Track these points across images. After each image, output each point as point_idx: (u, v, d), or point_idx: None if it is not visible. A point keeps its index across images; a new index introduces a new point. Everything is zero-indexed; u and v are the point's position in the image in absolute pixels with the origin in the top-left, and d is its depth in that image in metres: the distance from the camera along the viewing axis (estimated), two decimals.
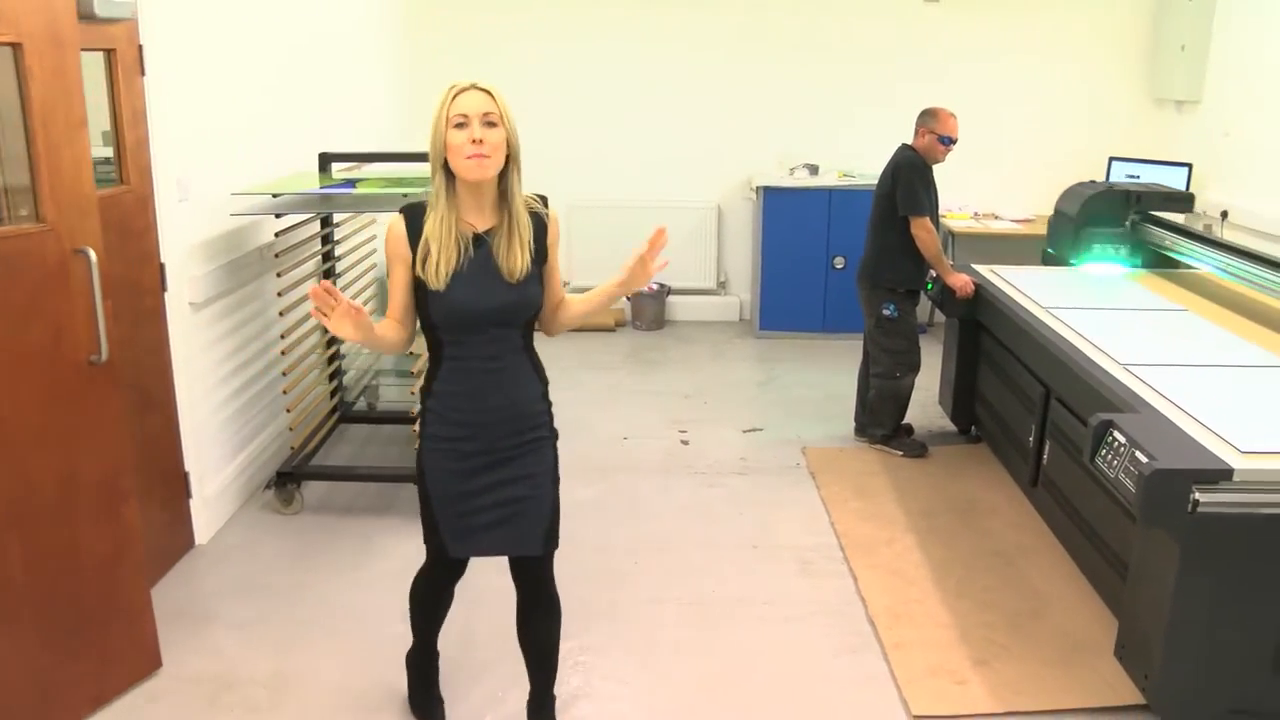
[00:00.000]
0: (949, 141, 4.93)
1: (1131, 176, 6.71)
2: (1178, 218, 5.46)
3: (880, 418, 5.19)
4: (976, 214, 7.26)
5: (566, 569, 3.99)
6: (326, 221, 4.83)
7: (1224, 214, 6.20)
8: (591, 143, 7.19)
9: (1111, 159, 6.90)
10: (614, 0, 7.09)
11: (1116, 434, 3.07)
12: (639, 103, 7.20)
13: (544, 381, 2.75)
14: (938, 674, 3.38)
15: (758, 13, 7.13)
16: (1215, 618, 2.97)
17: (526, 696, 3.03)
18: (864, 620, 3.72)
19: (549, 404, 2.77)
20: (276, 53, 4.81)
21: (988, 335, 4.98)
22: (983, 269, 5.18)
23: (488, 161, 2.46)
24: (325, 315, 2.40)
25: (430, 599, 3.03)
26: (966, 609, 3.78)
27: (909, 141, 5.04)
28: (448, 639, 3.57)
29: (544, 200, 2.68)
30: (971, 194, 7.32)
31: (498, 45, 7.09)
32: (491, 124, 2.46)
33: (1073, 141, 7.29)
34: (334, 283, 4.84)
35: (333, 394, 5.04)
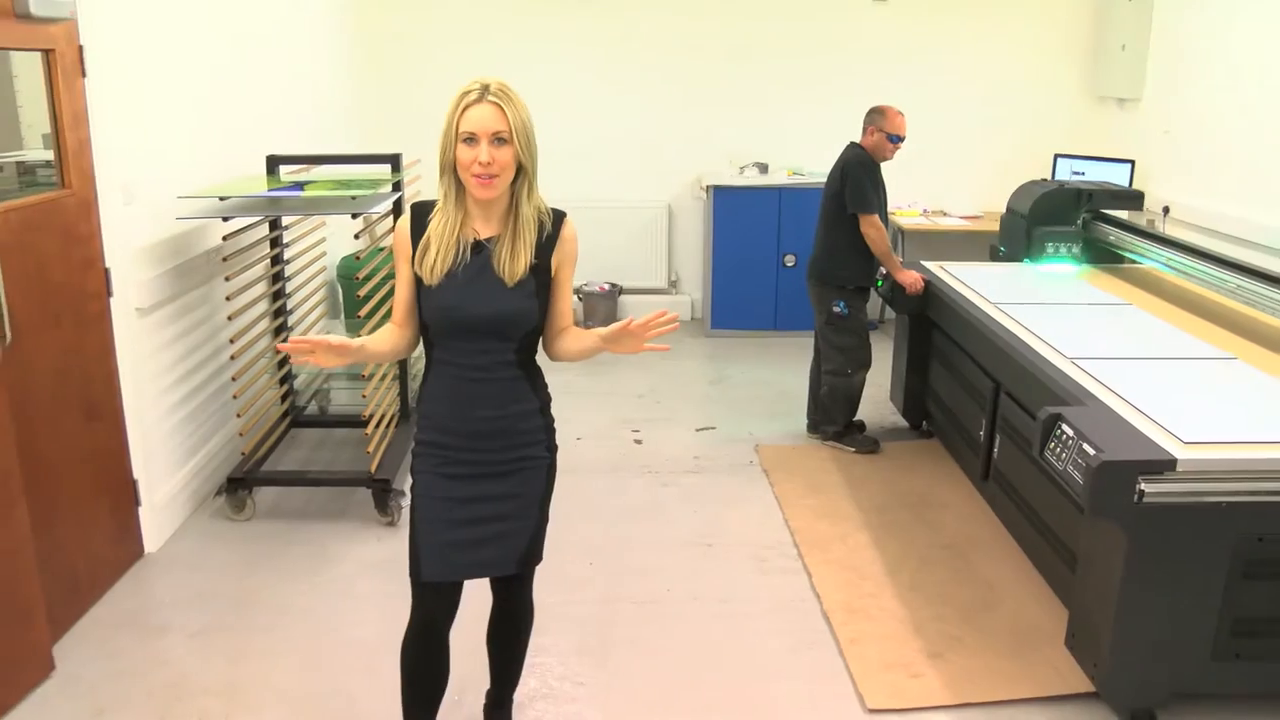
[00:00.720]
0: (897, 140, 4.97)
1: (1076, 173, 6.81)
2: (1122, 214, 5.53)
3: (832, 414, 5.22)
4: (925, 211, 7.34)
5: None
6: (275, 224, 4.78)
7: (1166, 209, 6.29)
8: (553, 142, 7.13)
9: (1057, 155, 6.99)
10: (560, 4, 7.08)
11: (1064, 427, 3.11)
12: (588, 103, 7.19)
13: (542, 399, 2.66)
14: (892, 668, 3.41)
15: (707, 13, 7.15)
16: (1160, 606, 3.04)
17: (484, 699, 3.02)
18: (819, 616, 3.74)
19: (547, 422, 2.68)
20: (223, 54, 4.76)
21: (938, 331, 5.03)
22: (932, 265, 5.23)
23: (495, 182, 2.39)
24: (308, 358, 2.38)
25: (418, 656, 2.74)
26: (920, 603, 3.82)
27: (857, 140, 5.08)
28: (388, 646, 3.56)
29: (561, 216, 2.59)
30: (920, 191, 7.40)
31: (445, 47, 7.06)
32: (502, 141, 2.37)
33: (1019, 139, 7.38)
34: (284, 286, 4.82)
35: (284, 398, 4.99)
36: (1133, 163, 6.60)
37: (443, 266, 2.44)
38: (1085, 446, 2.96)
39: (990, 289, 4.73)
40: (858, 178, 4.91)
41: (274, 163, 4.82)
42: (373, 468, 4.38)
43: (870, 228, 4.90)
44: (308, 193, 4.36)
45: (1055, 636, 3.52)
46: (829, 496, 4.67)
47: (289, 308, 4.92)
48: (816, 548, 4.21)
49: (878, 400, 5.83)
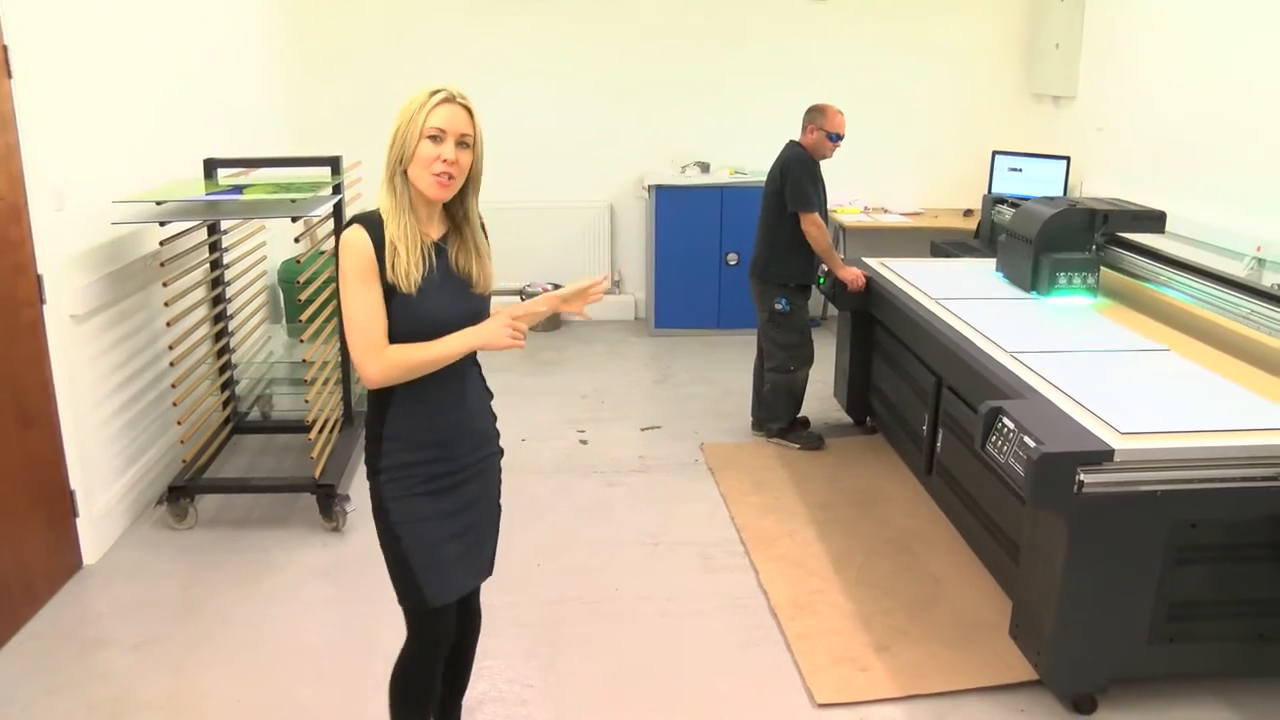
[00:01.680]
0: (837, 138, 5.00)
1: (1014, 170, 6.91)
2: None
3: (776, 411, 5.25)
4: (866, 208, 7.40)
5: None
6: (214, 229, 4.71)
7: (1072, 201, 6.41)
8: (487, 145, 7.12)
9: (995, 153, 7.08)
10: (499, 4, 7.05)
11: (1005, 420, 3.16)
12: (529, 104, 7.17)
13: (491, 394, 2.67)
14: (841, 662, 3.44)
15: (647, 12, 7.16)
16: (1100, 593, 3.10)
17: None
18: (766, 612, 3.76)
19: (495, 416, 2.69)
20: (157, 56, 4.68)
21: (880, 327, 5.08)
22: (873, 262, 5.28)
23: (452, 184, 2.37)
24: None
25: (422, 684, 2.65)
26: (867, 597, 3.85)
27: (797, 138, 5.10)
28: (336, 652, 3.53)
29: (481, 219, 2.60)
30: (861, 188, 7.46)
31: (384, 47, 7.00)
32: (465, 145, 2.36)
33: (957, 136, 7.48)
34: (224, 291, 4.75)
35: (225, 404, 4.92)
36: (1068, 159, 6.72)
37: (418, 271, 2.36)
38: (1026, 439, 3.01)
39: (931, 284, 4.78)
40: (797, 176, 4.94)
41: (212, 166, 4.75)
42: (316, 473, 4.34)
43: (811, 225, 4.93)
44: (246, 196, 4.31)
45: (1000, 627, 3.58)
46: (774, 494, 4.69)
47: (229, 313, 4.86)
48: (763, 545, 4.23)
49: (822, 397, 5.88)
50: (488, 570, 2.68)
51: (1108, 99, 6.56)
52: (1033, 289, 4.62)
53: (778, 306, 5.09)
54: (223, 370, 4.86)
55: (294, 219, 4.24)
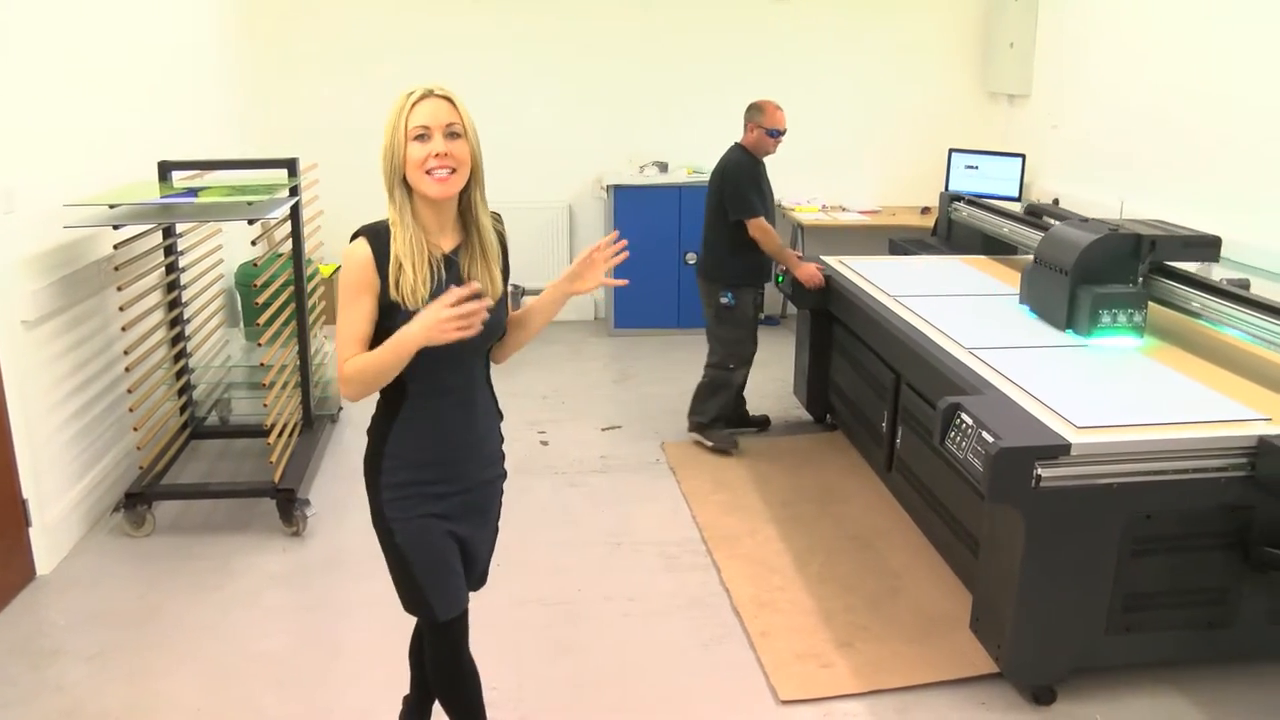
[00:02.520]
0: (777, 134, 4.95)
1: (970, 167, 6.98)
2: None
3: (704, 405, 5.21)
4: (825, 206, 7.44)
5: None
6: (169, 232, 4.66)
7: (1055, 202, 6.49)
8: None
9: (951, 150, 7.15)
10: (457, 5, 7.03)
11: (964, 416, 3.18)
12: (486, 104, 7.12)
13: (500, 413, 2.60)
14: (803, 659, 3.46)
15: (604, 12, 7.16)
16: (1058, 585, 3.14)
17: (400, 706, 2.98)
18: (729, 611, 3.77)
19: (503, 438, 2.62)
20: (109, 55, 4.62)
21: (839, 325, 5.11)
22: (832, 260, 5.31)
23: (453, 177, 2.26)
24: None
25: (458, 677, 2.68)
26: (829, 593, 3.87)
27: (740, 138, 5.08)
28: (298, 657, 3.50)
29: (499, 217, 2.50)
30: (819, 187, 7.50)
31: (340, 49, 6.95)
32: (455, 135, 2.26)
33: (914, 134, 7.53)
34: (180, 295, 4.70)
35: (182, 409, 4.87)
36: (1023, 157, 6.79)
37: (425, 288, 2.26)
38: (984, 434, 3.04)
39: (889, 282, 4.81)
40: (735, 181, 4.92)
41: (166, 169, 4.69)
42: (276, 477, 4.30)
43: (757, 230, 4.89)
44: (202, 199, 4.26)
45: (960, 621, 3.61)
46: (735, 492, 4.71)
47: (186, 317, 4.80)
48: (725, 543, 4.25)
49: (781, 395, 5.90)
50: (478, 584, 2.71)
51: (1061, 97, 6.64)
52: (1069, 327, 4.02)
53: (723, 300, 5.05)
54: (179, 375, 4.81)
55: (250, 222, 4.20)
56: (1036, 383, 3.43)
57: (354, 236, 2.33)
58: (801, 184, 7.46)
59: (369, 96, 6.98)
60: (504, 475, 2.64)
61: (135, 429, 4.42)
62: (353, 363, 2.27)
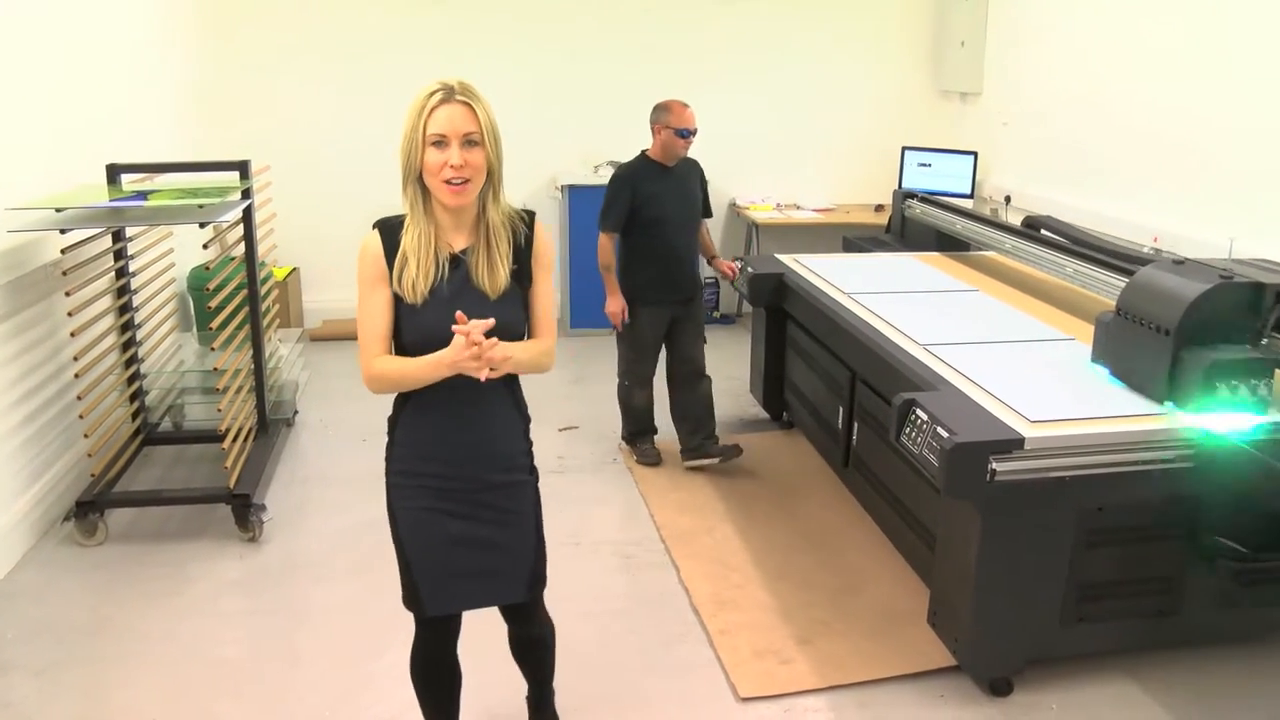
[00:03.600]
0: (687, 134, 4.70)
1: (923, 165, 7.04)
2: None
3: (625, 420, 5.13)
4: (778, 205, 7.47)
5: (387, 580, 3.93)
6: (118, 236, 4.60)
7: (1007, 198, 6.56)
8: (396, 145, 7.04)
9: (904, 148, 7.20)
10: (411, 5, 6.99)
11: (919, 412, 3.21)
12: None
13: (525, 418, 2.57)
14: (763, 656, 3.47)
15: (556, 12, 7.15)
16: (1014, 578, 3.17)
17: (525, 701, 3.04)
18: (688, 609, 3.78)
19: (530, 444, 2.59)
20: (52, 55, 4.54)
21: (794, 323, 5.14)
22: (786, 258, 5.33)
23: (468, 187, 2.27)
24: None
25: (431, 675, 2.70)
26: (787, 590, 3.89)
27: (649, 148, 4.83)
28: (256, 664, 3.46)
29: (530, 217, 2.48)
30: (773, 185, 7.54)
31: (293, 51, 6.88)
32: (473, 143, 2.26)
33: (867, 133, 7.59)
34: (131, 300, 4.64)
35: (135, 415, 4.81)
36: (975, 154, 6.86)
37: (425, 283, 2.30)
38: (939, 430, 3.06)
39: (843, 279, 4.84)
40: (608, 192, 4.77)
41: (115, 171, 4.63)
42: (231, 483, 4.26)
43: (599, 243, 4.75)
44: (152, 202, 4.21)
45: (918, 615, 3.64)
46: (693, 491, 4.72)
47: (137, 321, 4.75)
48: (683, 542, 4.25)
49: (738, 393, 5.92)
50: (514, 594, 2.62)
51: (1012, 94, 6.72)
52: (1171, 399, 3.22)
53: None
54: (131, 381, 4.75)
55: (202, 225, 4.16)
56: (991, 378, 3.47)
57: (373, 228, 2.39)
58: (755, 183, 7.50)
59: (322, 97, 6.93)
60: (528, 481, 2.58)
61: (86, 436, 4.36)
62: (380, 363, 2.33)
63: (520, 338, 2.43)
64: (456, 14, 7.03)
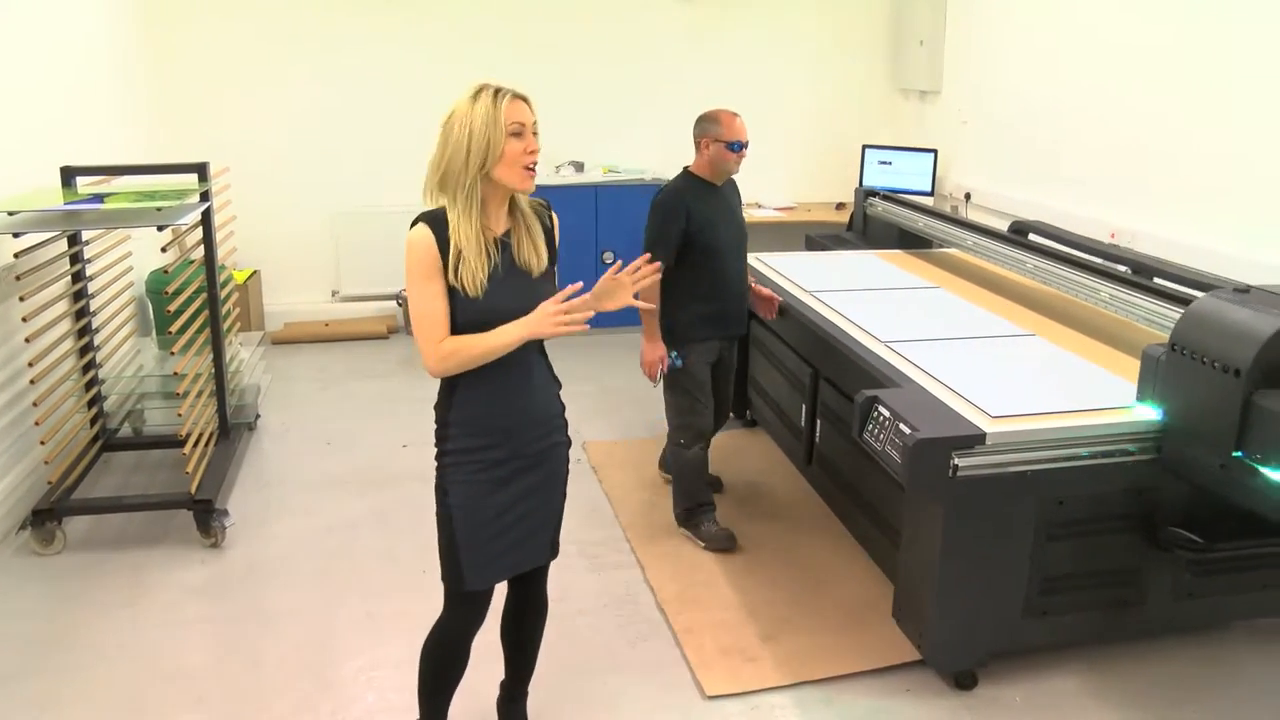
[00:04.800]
0: (739, 147, 4.11)
1: (884, 163, 7.09)
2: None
3: (675, 493, 4.34)
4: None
5: (351, 583, 3.92)
6: (74, 239, 4.54)
7: (967, 195, 6.62)
8: (358, 148, 7.02)
9: (865, 147, 7.25)
10: (370, 6, 6.94)
11: (881, 409, 3.23)
12: (404, 106, 7.06)
13: (558, 384, 2.75)
14: (729, 654, 3.48)
15: (516, 12, 7.13)
16: (977, 572, 3.20)
17: (498, 691, 3.07)
18: (653, 608, 3.79)
19: (564, 406, 2.76)
20: (5, 58, 4.48)
21: (756, 321, 5.14)
22: (749, 257, 5.32)
23: (535, 172, 2.50)
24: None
25: (448, 657, 2.78)
26: (752, 588, 3.90)
27: (690, 164, 4.21)
28: (219, 672, 3.44)
29: (548, 204, 2.71)
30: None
31: (251, 52, 6.81)
32: (536, 134, 2.49)
33: (828, 131, 7.63)
34: (88, 304, 4.59)
35: (93, 421, 4.75)
36: (935, 152, 6.91)
37: (484, 273, 2.46)
38: (901, 426, 3.08)
39: (805, 277, 4.86)
40: (650, 220, 4.10)
41: (69, 174, 4.57)
42: (192, 488, 4.22)
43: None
44: (108, 205, 4.16)
45: (883, 610, 3.66)
46: (657, 491, 4.71)
47: (94, 326, 4.69)
48: (648, 541, 4.26)
49: None
50: (547, 555, 2.78)
51: (971, 93, 6.77)
52: (1239, 449, 2.81)
53: (671, 361, 4.17)
54: (89, 386, 4.69)
55: (160, 228, 4.11)
56: (952, 374, 3.49)
57: (414, 223, 2.49)
58: None
59: (282, 99, 6.88)
60: (565, 442, 2.75)
61: (42, 443, 4.30)
62: (450, 343, 2.47)
63: None
64: (415, 15, 7.00)
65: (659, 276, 2.59)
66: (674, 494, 4.33)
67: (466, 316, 2.47)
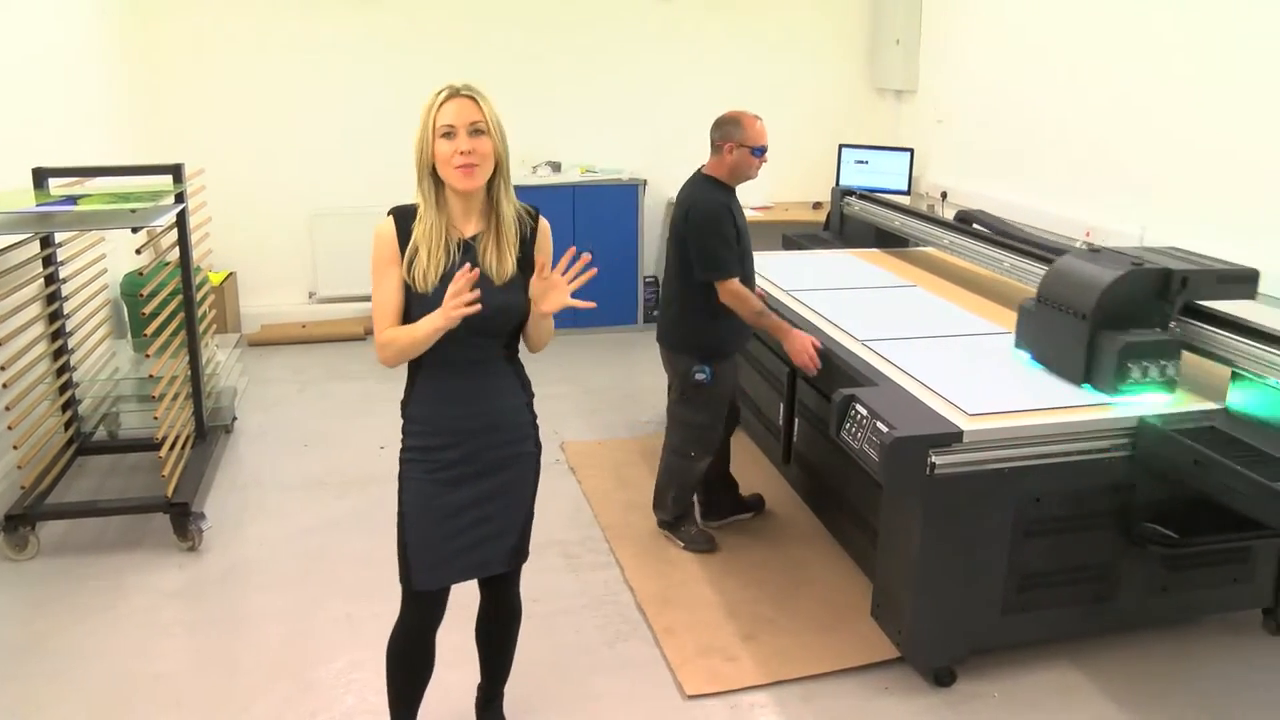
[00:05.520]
0: (761, 151, 3.97)
1: (860, 162, 7.10)
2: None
3: (664, 499, 4.26)
4: None
5: (330, 585, 3.90)
6: (47, 242, 4.50)
7: (943, 194, 6.65)
8: (334, 149, 6.99)
9: (841, 146, 7.27)
10: (346, 6, 6.91)
11: (858, 407, 3.24)
12: (379, 106, 7.04)
13: (529, 393, 2.72)
14: (708, 653, 3.49)
15: (492, 12, 7.11)
16: (955, 569, 3.21)
17: (475, 694, 3.08)
18: (633, 608, 3.79)
19: (534, 416, 2.73)
20: None
21: None
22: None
23: (477, 170, 2.45)
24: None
25: (405, 657, 2.79)
26: (732, 587, 3.91)
27: (705, 167, 4.04)
28: (197, 677, 3.42)
29: (536, 212, 2.65)
30: None
31: (226, 53, 6.77)
32: (479, 132, 2.45)
33: (805, 131, 7.63)
34: (61, 307, 4.55)
35: (67, 425, 4.71)
36: (911, 151, 6.94)
37: (435, 272, 2.47)
38: (879, 425, 3.10)
39: (782, 276, 4.87)
40: (701, 234, 3.86)
41: (42, 175, 4.53)
42: (169, 492, 4.19)
43: (729, 296, 3.84)
44: (82, 207, 4.13)
45: (862, 609, 3.67)
46: (637, 490, 4.71)
47: (68, 329, 4.65)
48: (627, 541, 4.26)
49: None
50: (506, 562, 2.75)
51: (947, 92, 6.81)
52: (1088, 381, 3.40)
53: (699, 377, 3.97)
54: (63, 389, 4.65)
55: (135, 230, 4.08)
56: (929, 372, 3.51)
57: (388, 215, 2.55)
58: None
59: (255, 99, 6.84)
60: (531, 453, 2.73)
61: (15, 447, 4.26)
62: (387, 333, 2.52)
63: (519, 322, 2.60)
64: (392, 16, 6.97)
65: (595, 271, 2.52)
66: (665, 501, 4.24)
67: (417, 312, 2.48)
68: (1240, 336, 3.30)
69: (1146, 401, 3.29)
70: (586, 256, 2.55)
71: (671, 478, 4.20)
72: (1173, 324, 3.44)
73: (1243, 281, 3.55)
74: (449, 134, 2.44)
